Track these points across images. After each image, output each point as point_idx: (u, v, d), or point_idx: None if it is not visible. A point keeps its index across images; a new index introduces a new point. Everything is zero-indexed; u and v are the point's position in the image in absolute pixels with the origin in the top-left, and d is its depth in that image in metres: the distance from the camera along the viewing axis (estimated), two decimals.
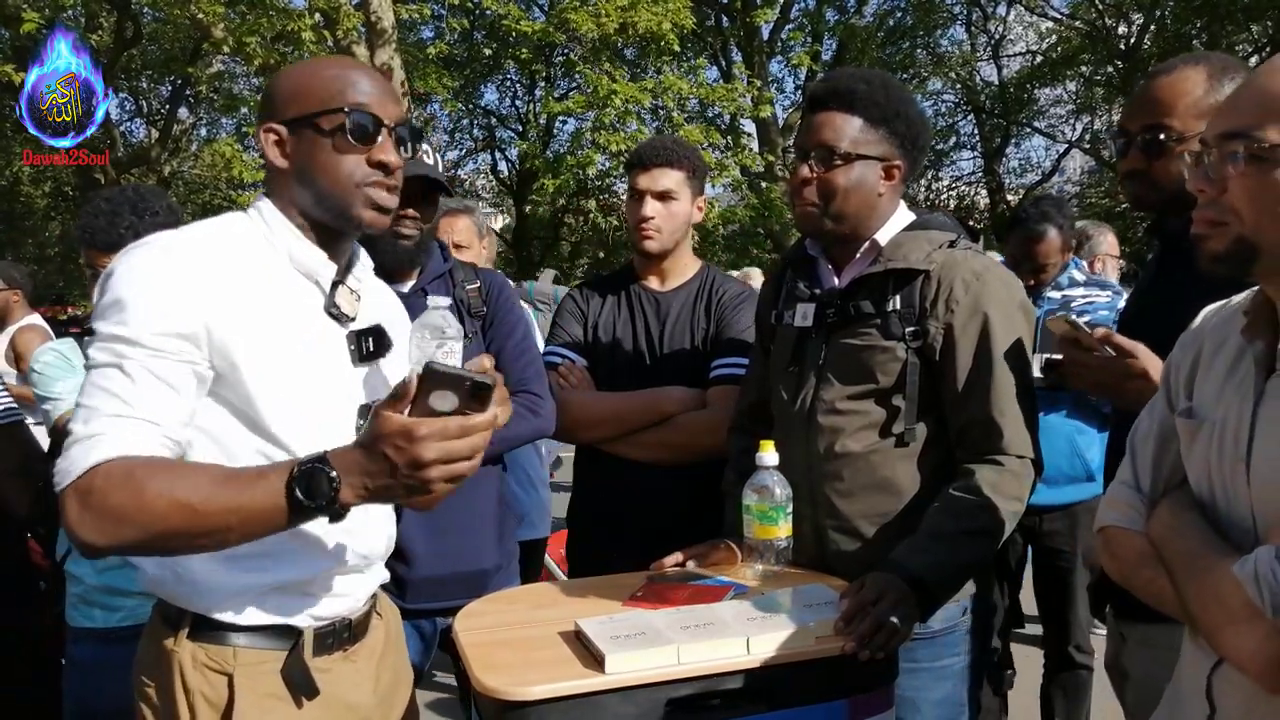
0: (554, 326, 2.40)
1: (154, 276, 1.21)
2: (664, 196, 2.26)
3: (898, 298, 1.69)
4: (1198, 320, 1.24)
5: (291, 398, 1.28)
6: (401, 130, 1.37)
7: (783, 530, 1.65)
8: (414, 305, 2.07)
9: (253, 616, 1.30)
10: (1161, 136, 1.59)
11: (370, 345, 1.40)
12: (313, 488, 1.10)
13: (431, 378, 1.09)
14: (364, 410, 1.37)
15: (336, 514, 1.14)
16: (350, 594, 1.40)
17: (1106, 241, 4.08)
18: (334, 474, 1.10)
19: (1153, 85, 1.63)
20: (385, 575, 1.53)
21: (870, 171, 1.72)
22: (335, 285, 1.37)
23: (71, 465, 1.14)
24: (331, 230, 1.37)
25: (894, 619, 1.38)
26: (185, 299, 1.21)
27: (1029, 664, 3.51)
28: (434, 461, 1.08)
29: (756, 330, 2.06)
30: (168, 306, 1.20)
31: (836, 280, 1.80)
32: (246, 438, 1.27)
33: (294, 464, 1.12)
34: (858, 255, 1.77)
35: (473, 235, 3.03)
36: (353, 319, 1.40)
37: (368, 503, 1.15)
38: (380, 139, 1.33)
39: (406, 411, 1.10)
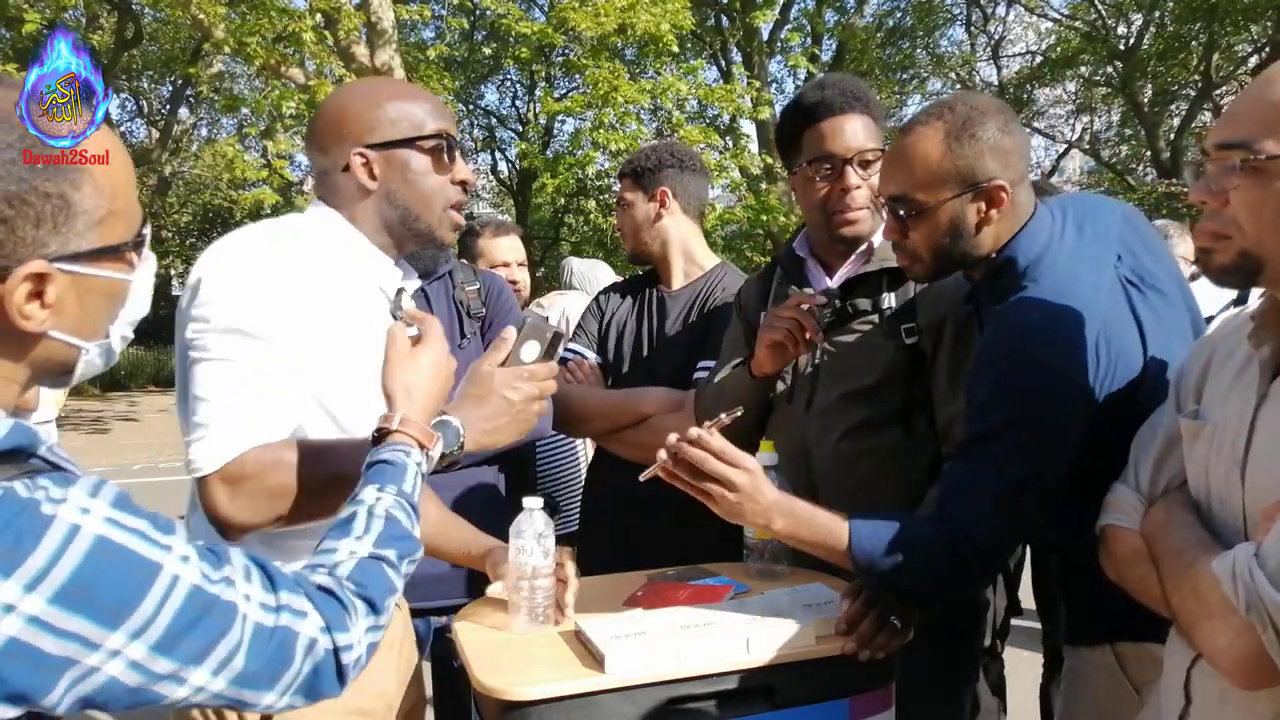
0: (576, 326, 2.45)
1: (263, 283, 1.28)
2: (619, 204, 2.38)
3: (892, 296, 1.70)
4: (1212, 327, 1.24)
5: (362, 399, 1.34)
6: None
7: None
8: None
9: None
10: (901, 212, 1.47)
11: None
12: (446, 441, 1.23)
13: (528, 329, 1.33)
14: None
15: (454, 463, 1.28)
16: None
17: (1184, 243, 3.76)
18: (460, 427, 1.26)
19: (895, 149, 1.51)
20: None
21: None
22: (399, 292, 1.46)
23: (212, 455, 1.23)
24: (402, 245, 1.46)
25: (894, 619, 1.39)
26: (292, 304, 1.29)
27: (1029, 664, 3.51)
28: (535, 397, 1.32)
29: (743, 327, 2.01)
30: (279, 308, 1.28)
31: (829, 281, 1.81)
32: (328, 429, 1.34)
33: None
34: (852, 257, 1.78)
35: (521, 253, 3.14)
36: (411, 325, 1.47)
37: (480, 450, 1.32)
38: (458, 159, 1.44)
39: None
